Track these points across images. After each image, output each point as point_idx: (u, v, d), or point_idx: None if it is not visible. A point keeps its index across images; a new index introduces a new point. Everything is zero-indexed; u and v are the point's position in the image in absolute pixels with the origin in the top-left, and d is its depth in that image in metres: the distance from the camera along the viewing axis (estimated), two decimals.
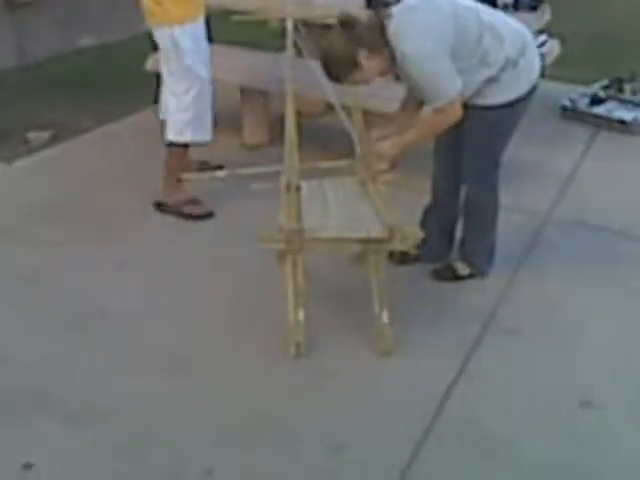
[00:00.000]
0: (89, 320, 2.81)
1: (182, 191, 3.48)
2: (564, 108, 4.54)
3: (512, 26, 2.66)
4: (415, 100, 2.78)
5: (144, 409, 2.40)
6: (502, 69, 2.59)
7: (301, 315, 2.60)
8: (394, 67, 2.59)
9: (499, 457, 2.22)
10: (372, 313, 2.64)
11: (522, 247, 3.25)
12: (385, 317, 2.62)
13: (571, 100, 4.55)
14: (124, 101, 4.80)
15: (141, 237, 3.35)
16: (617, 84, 4.71)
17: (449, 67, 2.50)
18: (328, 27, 3.25)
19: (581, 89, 4.69)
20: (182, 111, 3.36)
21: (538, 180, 3.81)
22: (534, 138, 4.10)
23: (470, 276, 3.01)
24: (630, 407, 2.41)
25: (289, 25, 3.00)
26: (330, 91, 2.87)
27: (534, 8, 3.86)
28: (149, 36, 3.53)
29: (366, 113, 2.96)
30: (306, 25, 3.06)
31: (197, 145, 3.46)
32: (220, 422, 2.35)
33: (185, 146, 3.47)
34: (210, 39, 3.49)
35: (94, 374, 2.55)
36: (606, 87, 4.73)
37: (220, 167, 3.57)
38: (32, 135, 4.38)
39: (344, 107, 2.88)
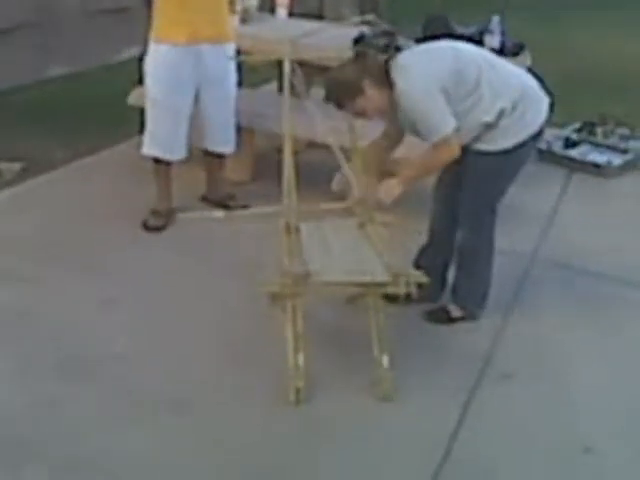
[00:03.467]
0: (76, 363, 2.71)
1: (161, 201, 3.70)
2: (540, 151, 4.62)
3: (510, 75, 2.71)
4: (390, 139, 2.86)
5: (137, 461, 2.32)
6: (499, 116, 2.64)
7: (301, 360, 2.56)
8: (393, 108, 2.66)
9: None
10: (370, 355, 2.62)
11: (511, 288, 3.27)
12: (385, 361, 2.60)
13: (547, 143, 4.64)
14: (100, 133, 4.73)
15: (126, 271, 3.28)
16: (589, 127, 4.85)
17: (442, 105, 2.57)
18: (322, 68, 3.28)
19: (555, 132, 4.79)
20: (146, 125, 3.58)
21: (520, 221, 3.86)
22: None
23: (462, 319, 3.02)
24: (632, 453, 2.42)
25: (286, 65, 3.01)
26: (327, 132, 2.89)
27: (516, 54, 3.95)
28: (125, 65, 3.65)
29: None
30: (302, 65, 3.07)
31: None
32: (223, 476, 2.29)
33: (159, 162, 3.60)
34: (240, 82, 3.69)
35: (85, 422, 2.45)
36: (578, 130, 4.86)
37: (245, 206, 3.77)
38: (3, 166, 4.27)
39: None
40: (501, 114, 2.62)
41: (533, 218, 3.95)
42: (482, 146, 2.70)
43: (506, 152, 2.68)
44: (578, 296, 3.27)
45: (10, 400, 2.53)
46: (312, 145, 4.55)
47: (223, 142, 3.72)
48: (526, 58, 3.96)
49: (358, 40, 4.11)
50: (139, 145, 3.66)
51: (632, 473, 2.36)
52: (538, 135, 2.73)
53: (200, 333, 2.90)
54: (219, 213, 2.77)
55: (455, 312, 3.02)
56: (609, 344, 2.96)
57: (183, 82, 3.45)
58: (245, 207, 3.79)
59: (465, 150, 2.68)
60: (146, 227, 3.62)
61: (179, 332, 2.91)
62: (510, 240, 3.65)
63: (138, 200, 3.82)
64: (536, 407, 2.61)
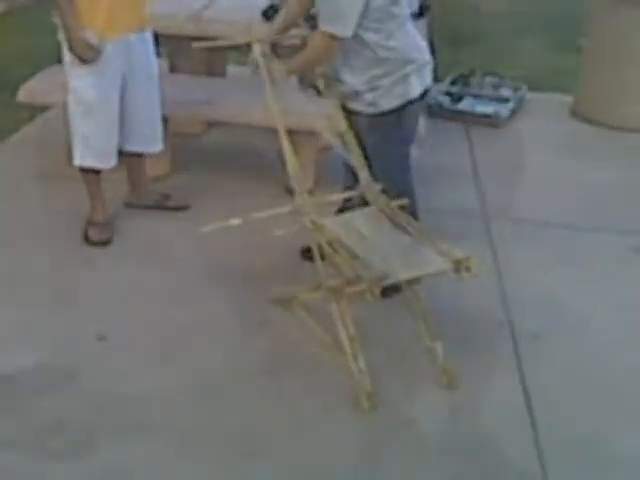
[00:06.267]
0: (116, 411, 2.37)
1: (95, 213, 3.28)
2: (429, 106, 4.71)
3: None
4: None
5: None
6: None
7: (362, 363, 2.44)
8: None
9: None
10: (415, 346, 2.57)
11: (486, 246, 3.33)
12: (439, 348, 2.56)
13: (433, 98, 4.73)
14: None
15: (100, 299, 2.88)
16: (463, 79, 5.03)
17: (357, 6, 2.51)
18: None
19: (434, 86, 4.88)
20: (73, 133, 3.12)
21: (450, 180, 3.94)
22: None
23: None
24: None
25: (256, 49, 2.77)
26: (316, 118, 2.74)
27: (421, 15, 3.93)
28: None
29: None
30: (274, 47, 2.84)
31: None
32: None
33: (89, 171, 3.18)
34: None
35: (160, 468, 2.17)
36: (452, 83, 5.02)
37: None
38: None
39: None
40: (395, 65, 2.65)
41: (461, 174, 4.03)
42: (368, 109, 2.74)
43: (398, 109, 2.72)
44: (541, 246, 3.40)
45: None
46: (212, 125, 4.26)
47: (152, 140, 3.33)
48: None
49: (267, 12, 3.89)
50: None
51: None
52: (420, 99, 2.78)
53: (227, 355, 2.65)
54: (236, 221, 2.50)
55: None
56: (600, 283, 3.12)
57: (114, 80, 3.06)
58: (186, 206, 3.49)
59: (354, 113, 2.77)
60: (91, 242, 3.19)
61: (202, 358, 2.63)
62: (452, 200, 3.73)
63: (56, 208, 3.39)
64: (581, 362, 2.70)
